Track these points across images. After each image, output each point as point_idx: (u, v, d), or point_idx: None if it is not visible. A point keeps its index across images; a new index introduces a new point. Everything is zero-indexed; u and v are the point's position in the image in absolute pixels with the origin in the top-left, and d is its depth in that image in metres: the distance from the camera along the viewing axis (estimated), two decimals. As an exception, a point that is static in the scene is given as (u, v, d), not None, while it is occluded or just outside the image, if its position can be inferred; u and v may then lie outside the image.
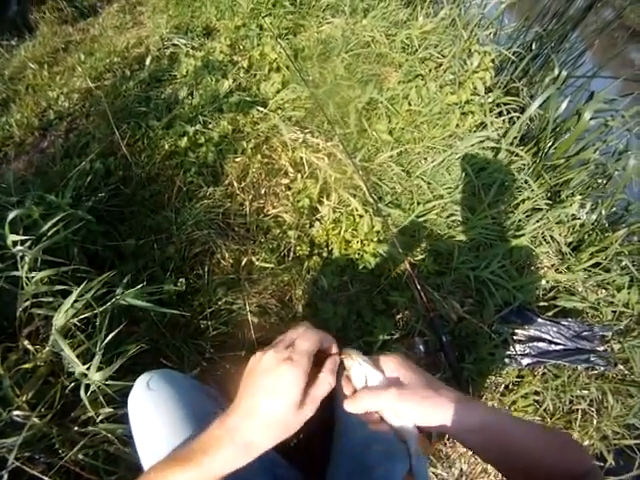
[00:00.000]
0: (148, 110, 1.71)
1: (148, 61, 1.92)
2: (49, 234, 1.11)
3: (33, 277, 0.99)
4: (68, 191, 1.33)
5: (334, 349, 0.49)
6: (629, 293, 1.62)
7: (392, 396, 0.45)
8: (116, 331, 0.95)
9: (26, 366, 0.94)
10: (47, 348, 0.96)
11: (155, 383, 0.66)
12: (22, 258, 1.01)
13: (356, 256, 1.41)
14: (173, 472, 0.42)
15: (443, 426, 0.44)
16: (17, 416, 0.86)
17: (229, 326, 1.25)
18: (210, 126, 1.56)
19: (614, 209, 2.11)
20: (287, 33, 1.91)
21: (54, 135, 1.93)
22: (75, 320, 0.96)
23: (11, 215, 1.06)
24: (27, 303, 0.98)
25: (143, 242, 1.38)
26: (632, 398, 1.46)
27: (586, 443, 1.36)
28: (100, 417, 0.91)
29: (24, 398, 0.89)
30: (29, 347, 0.98)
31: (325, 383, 0.45)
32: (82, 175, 1.47)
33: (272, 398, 0.43)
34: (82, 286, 0.96)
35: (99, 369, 0.90)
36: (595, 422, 1.39)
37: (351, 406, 0.47)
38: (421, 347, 1.29)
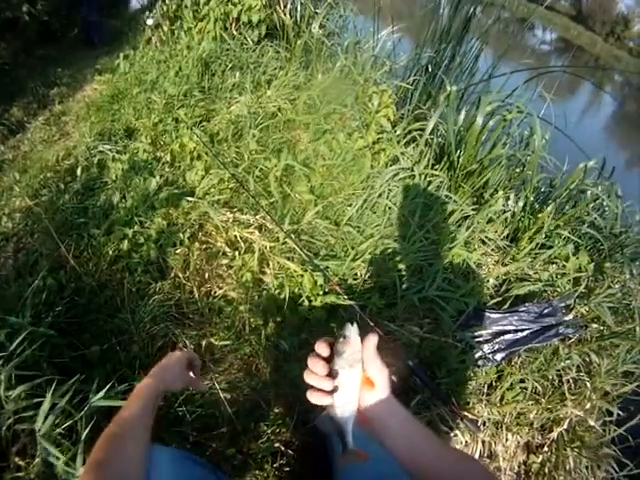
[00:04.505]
0: (87, 220, 1.79)
1: (79, 171, 2.02)
2: (17, 352, 1.18)
3: (10, 395, 1.07)
4: (27, 310, 1.39)
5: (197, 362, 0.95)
6: (578, 258, 1.73)
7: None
8: (85, 432, 1.03)
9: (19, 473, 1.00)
10: (37, 459, 1.02)
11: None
12: (-4, 379, 1.08)
13: (308, 313, 1.51)
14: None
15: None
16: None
17: (205, 407, 1.30)
18: (147, 225, 1.67)
19: (542, 189, 2.31)
20: (201, 120, 2.07)
21: (3, 257, 1.97)
22: (59, 430, 1.05)
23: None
24: (10, 420, 1.05)
25: (107, 346, 1.44)
26: (617, 347, 1.53)
27: (588, 407, 1.41)
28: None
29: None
30: (21, 463, 1.04)
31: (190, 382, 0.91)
32: (37, 293, 1.52)
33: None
34: (49, 395, 1.05)
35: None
36: (589, 384, 1.45)
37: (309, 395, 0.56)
38: (393, 377, 1.35)
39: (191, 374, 0.94)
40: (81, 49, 3.99)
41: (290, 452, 1.26)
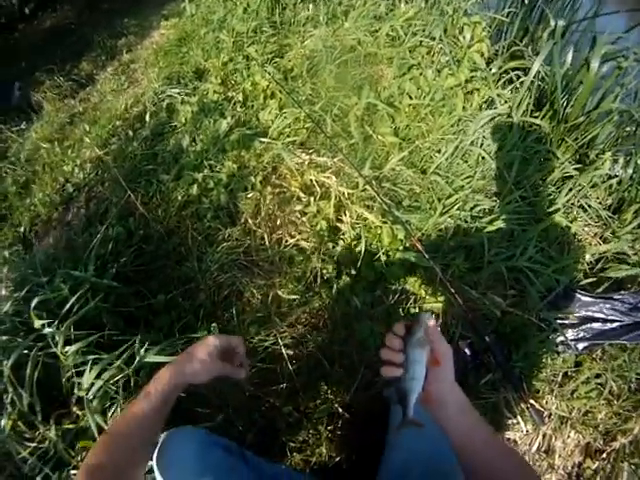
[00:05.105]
0: (156, 166, 1.74)
1: (147, 117, 1.97)
2: (76, 308, 1.16)
3: (68, 351, 1.07)
4: (90, 263, 1.37)
5: (239, 349, 0.82)
6: (683, 244, 1.46)
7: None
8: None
9: (71, 425, 1.03)
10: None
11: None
12: (54, 336, 1.08)
13: (384, 269, 1.36)
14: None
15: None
16: (74, 475, 0.94)
17: (266, 362, 1.26)
18: (217, 169, 1.57)
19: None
20: (274, 57, 1.91)
21: (76, 207, 2.00)
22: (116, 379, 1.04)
23: (35, 300, 1.13)
24: (69, 373, 1.06)
25: (173, 295, 1.40)
26: None
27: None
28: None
29: (79, 458, 0.99)
30: (79, 412, 1.06)
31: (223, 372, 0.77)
32: (105, 242, 1.50)
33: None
34: (97, 360, 1.04)
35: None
36: (667, 396, 1.26)
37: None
38: (467, 350, 1.24)
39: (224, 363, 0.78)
40: (146, -1, 3.94)
41: (347, 416, 1.20)
